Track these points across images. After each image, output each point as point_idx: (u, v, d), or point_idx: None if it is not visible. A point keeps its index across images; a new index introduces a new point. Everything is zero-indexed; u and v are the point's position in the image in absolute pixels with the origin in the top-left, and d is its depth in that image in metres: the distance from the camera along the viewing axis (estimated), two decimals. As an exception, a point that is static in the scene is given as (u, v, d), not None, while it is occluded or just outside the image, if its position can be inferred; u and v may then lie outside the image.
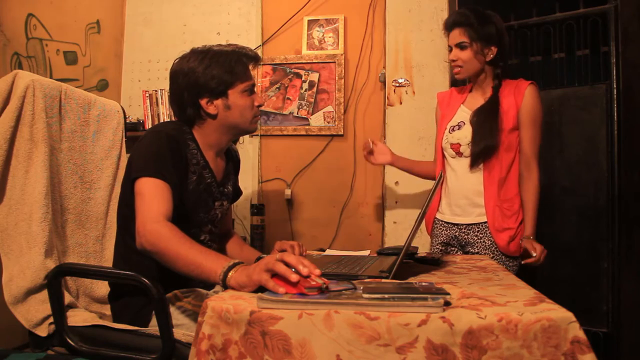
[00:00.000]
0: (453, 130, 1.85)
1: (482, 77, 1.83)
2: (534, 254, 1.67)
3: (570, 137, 2.32)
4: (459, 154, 1.82)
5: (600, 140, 2.23)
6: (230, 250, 1.61)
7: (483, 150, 1.74)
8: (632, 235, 2.13)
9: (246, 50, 1.43)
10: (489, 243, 1.76)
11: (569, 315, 0.77)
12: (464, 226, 1.81)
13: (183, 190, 1.31)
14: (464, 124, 1.83)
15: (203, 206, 1.39)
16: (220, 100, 1.36)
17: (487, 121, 1.76)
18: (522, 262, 1.73)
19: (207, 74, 1.34)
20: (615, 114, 2.19)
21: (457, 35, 1.80)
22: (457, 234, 1.83)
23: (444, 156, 1.90)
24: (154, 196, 1.18)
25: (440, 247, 1.87)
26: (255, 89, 1.44)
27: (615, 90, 2.19)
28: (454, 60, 1.82)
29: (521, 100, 1.77)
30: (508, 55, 1.89)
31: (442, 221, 1.89)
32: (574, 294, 2.24)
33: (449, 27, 1.84)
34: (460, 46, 1.79)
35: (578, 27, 2.32)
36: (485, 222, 1.77)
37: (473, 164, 1.78)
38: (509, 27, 2.47)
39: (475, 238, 1.78)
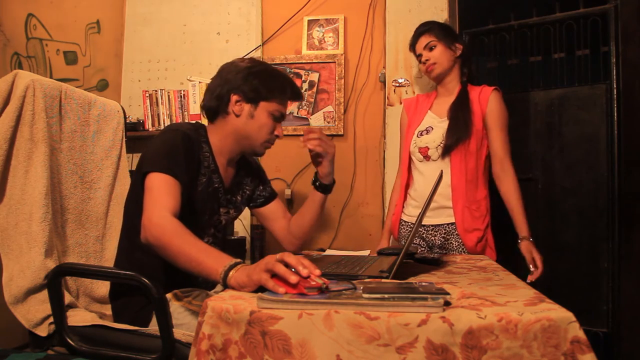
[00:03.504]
0: (421, 134, 1.90)
1: (449, 78, 1.91)
2: (532, 269, 1.69)
3: (570, 137, 2.32)
4: (427, 157, 1.86)
5: (600, 140, 2.23)
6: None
7: (455, 142, 1.80)
8: (632, 235, 2.13)
9: (295, 85, 1.46)
10: (456, 245, 1.79)
11: (568, 315, 0.77)
12: (432, 227, 1.84)
13: (192, 190, 1.32)
14: (432, 128, 1.88)
15: (208, 209, 1.40)
16: (249, 106, 1.39)
17: (460, 114, 1.82)
18: (527, 281, 1.70)
19: (252, 77, 1.38)
20: (615, 114, 2.19)
21: (424, 40, 1.91)
22: (423, 235, 1.86)
23: (410, 161, 1.93)
24: (162, 191, 1.19)
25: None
26: (281, 122, 1.46)
27: (615, 90, 2.19)
28: (426, 61, 1.89)
29: (486, 105, 1.83)
30: (471, 58, 2.00)
31: (408, 223, 1.91)
32: (574, 294, 2.24)
33: (414, 38, 1.95)
34: (429, 47, 1.89)
35: (578, 27, 2.32)
36: (452, 224, 1.80)
37: (443, 155, 1.82)
38: (509, 27, 2.47)
39: (442, 240, 1.81)
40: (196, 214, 1.35)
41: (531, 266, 1.69)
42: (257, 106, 1.39)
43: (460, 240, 1.78)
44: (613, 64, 2.20)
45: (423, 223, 1.85)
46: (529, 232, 1.75)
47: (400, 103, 2.50)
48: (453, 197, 1.80)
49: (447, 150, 1.81)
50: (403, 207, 1.96)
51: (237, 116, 1.39)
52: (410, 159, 1.93)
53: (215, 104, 1.40)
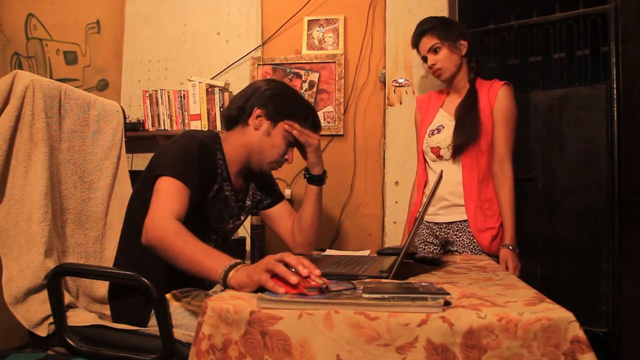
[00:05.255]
0: (433, 134, 1.88)
1: (459, 78, 1.87)
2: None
3: (570, 137, 2.32)
4: (439, 157, 1.85)
5: (600, 140, 2.23)
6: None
7: (465, 142, 1.77)
8: (632, 236, 2.12)
9: (317, 116, 1.50)
10: (468, 241, 1.78)
11: (568, 315, 0.77)
12: (444, 225, 1.84)
13: (203, 196, 1.33)
14: (443, 127, 1.86)
15: (217, 216, 1.41)
16: (268, 123, 1.41)
17: (468, 113, 1.79)
18: None
19: (279, 98, 1.41)
20: (615, 114, 2.19)
21: (427, 42, 1.85)
22: (437, 232, 1.86)
23: (425, 160, 1.92)
24: (170, 196, 1.20)
25: (422, 246, 1.90)
26: (293, 149, 1.48)
27: (615, 90, 2.19)
28: (432, 66, 1.85)
29: (494, 100, 1.80)
30: (478, 52, 1.96)
31: (423, 222, 1.90)
32: (574, 294, 2.24)
33: (416, 38, 1.89)
34: (434, 49, 1.83)
35: (578, 27, 2.32)
36: (465, 221, 1.79)
37: (454, 156, 1.80)
38: (509, 27, 2.47)
39: (455, 237, 1.81)
40: (203, 220, 1.36)
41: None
42: (276, 126, 1.41)
43: (472, 237, 1.77)
44: (613, 64, 2.20)
45: (437, 221, 1.85)
46: (514, 240, 1.73)
47: (401, 103, 2.51)
48: (465, 196, 1.79)
49: (456, 151, 1.79)
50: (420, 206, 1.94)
51: (255, 129, 1.41)
52: (424, 157, 1.92)
53: (237, 113, 1.43)
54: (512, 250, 1.72)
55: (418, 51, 1.91)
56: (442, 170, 1.53)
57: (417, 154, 1.99)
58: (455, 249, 1.80)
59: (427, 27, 1.86)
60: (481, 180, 1.78)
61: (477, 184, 1.78)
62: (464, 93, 1.86)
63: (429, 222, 1.88)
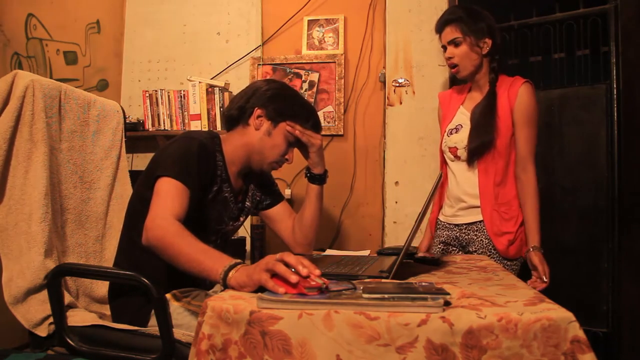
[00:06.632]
0: (451, 133, 1.84)
1: (480, 74, 1.81)
2: (545, 279, 1.63)
3: (570, 137, 2.32)
4: (457, 157, 1.81)
5: (600, 140, 2.23)
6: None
7: (479, 147, 1.73)
8: (632, 235, 2.12)
9: (317, 117, 1.50)
10: (486, 242, 1.75)
11: (568, 315, 0.77)
12: (464, 226, 1.81)
13: (203, 198, 1.33)
14: (462, 127, 1.82)
15: (216, 217, 1.41)
16: (269, 124, 1.41)
17: (484, 117, 1.74)
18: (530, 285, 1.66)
19: (280, 99, 1.42)
20: (615, 114, 2.19)
21: (450, 33, 1.78)
22: (457, 234, 1.83)
23: (445, 158, 1.90)
24: (170, 196, 1.21)
25: (442, 247, 1.88)
26: (293, 149, 1.48)
27: (615, 90, 2.19)
28: (449, 58, 1.79)
29: (514, 99, 1.74)
30: (502, 49, 1.86)
31: (443, 222, 1.89)
32: (574, 294, 2.24)
33: (440, 26, 1.82)
34: (455, 42, 1.77)
35: (578, 27, 2.32)
36: (482, 221, 1.76)
37: (470, 161, 1.76)
38: (509, 27, 2.47)
39: (474, 237, 1.78)
40: (203, 222, 1.36)
41: (544, 277, 1.64)
42: (277, 126, 1.41)
43: (490, 239, 1.75)
44: (613, 64, 2.20)
45: (457, 222, 1.82)
46: (539, 242, 1.67)
47: (401, 103, 2.51)
48: (481, 200, 1.75)
49: (471, 156, 1.75)
50: (441, 206, 1.92)
51: (256, 129, 1.41)
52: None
53: (238, 113, 1.43)
54: (542, 254, 1.67)
55: (440, 38, 1.84)
56: (441, 173, 1.53)
57: (439, 152, 1.95)
58: (475, 249, 1.77)
59: (452, 17, 1.79)
60: (498, 183, 1.74)
61: (493, 187, 1.74)
62: (485, 92, 1.80)
63: (449, 224, 1.85)
